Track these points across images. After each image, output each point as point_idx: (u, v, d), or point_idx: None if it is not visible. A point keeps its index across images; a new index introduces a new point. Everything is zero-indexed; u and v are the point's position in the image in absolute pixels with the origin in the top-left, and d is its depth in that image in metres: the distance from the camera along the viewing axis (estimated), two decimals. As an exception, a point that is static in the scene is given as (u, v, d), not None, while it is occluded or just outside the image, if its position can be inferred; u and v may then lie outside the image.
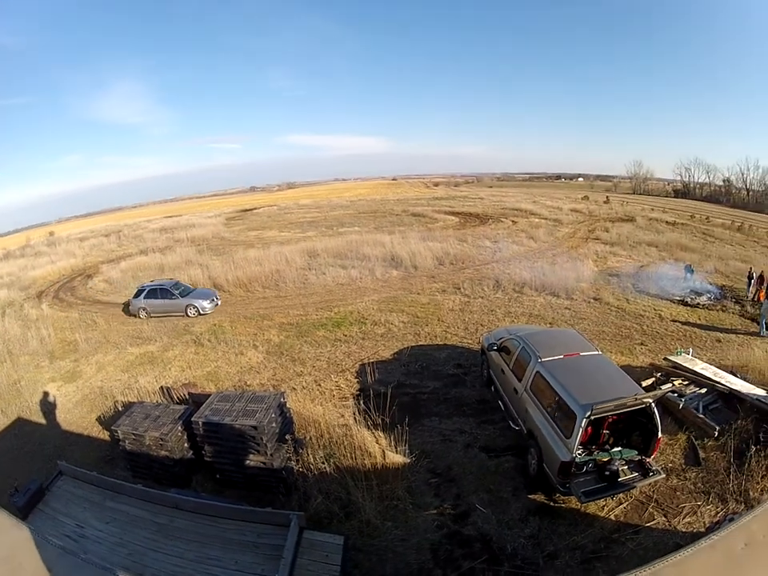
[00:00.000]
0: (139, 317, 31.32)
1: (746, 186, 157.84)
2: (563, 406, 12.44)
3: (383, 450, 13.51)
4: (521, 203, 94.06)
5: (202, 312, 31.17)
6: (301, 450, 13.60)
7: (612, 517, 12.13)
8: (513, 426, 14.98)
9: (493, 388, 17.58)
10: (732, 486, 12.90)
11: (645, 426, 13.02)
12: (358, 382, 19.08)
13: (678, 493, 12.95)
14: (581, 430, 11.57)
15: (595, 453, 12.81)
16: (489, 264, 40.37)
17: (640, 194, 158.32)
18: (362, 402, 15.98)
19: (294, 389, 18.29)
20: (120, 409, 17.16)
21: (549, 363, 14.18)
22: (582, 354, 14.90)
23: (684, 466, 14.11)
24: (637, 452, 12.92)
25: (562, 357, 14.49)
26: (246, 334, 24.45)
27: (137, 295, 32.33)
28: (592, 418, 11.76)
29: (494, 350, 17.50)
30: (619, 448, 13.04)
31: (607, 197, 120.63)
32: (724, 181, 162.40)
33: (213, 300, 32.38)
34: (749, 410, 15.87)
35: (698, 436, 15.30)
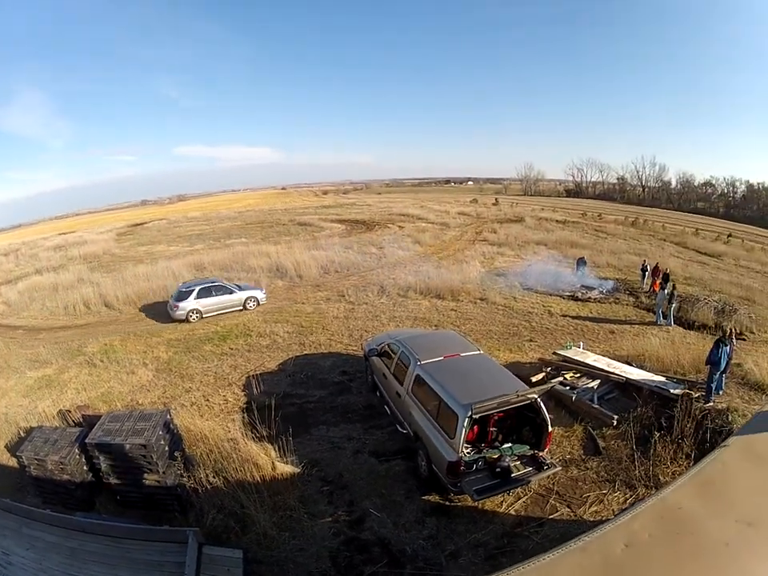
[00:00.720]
0: (189, 321, 28.83)
1: (641, 182, 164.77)
2: (445, 407, 12.55)
3: (273, 462, 13.44)
4: (408, 209, 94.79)
5: (260, 303, 31.24)
6: (191, 467, 13.35)
7: (512, 512, 12.31)
8: (400, 429, 15.01)
9: (378, 393, 17.66)
10: (638, 472, 13.20)
11: (534, 421, 13.31)
12: (245, 394, 18.78)
13: (580, 483, 13.24)
14: (464, 429, 11.70)
15: (485, 450, 12.98)
16: (374, 270, 40.84)
17: (531, 195, 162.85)
18: (249, 415, 16.01)
19: (184, 405, 17.90)
20: (22, 435, 16.45)
21: (428, 365, 14.34)
22: (462, 354, 15.18)
23: (584, 457, 14.44)
24: (529, 447, 13.20)
25: (441, 358, 14.70)
26: (136, 351, 23.73)
27: (183, 297, 29.44)
28: (474, 416, 11.91)
29: (376, 355, 17.66)
30: (510, 444, 13.28)
31: (496, 199, 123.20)
32: (618, 179, 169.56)
33: (264, 291, 32.44)
34: (648, 398, 16.29)
35: (595, 426, 15.65)
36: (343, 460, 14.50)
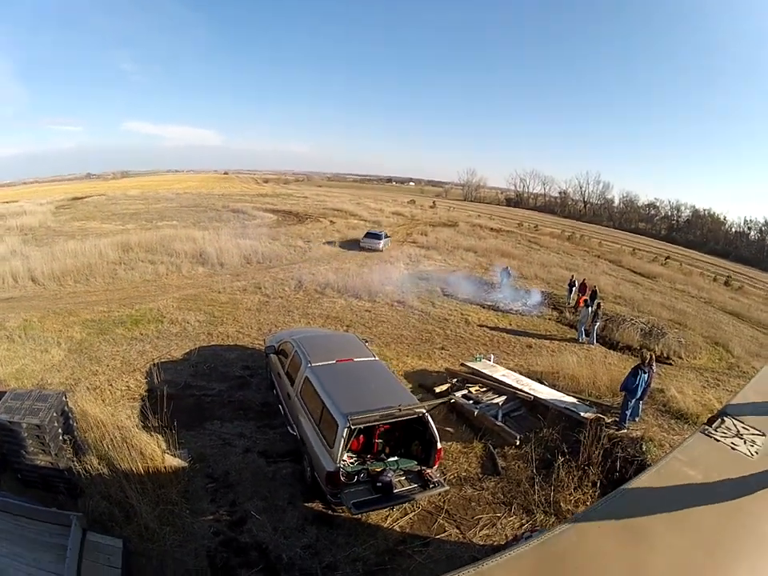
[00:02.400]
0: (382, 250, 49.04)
1: (584, 198, 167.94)
2: (327, 414, 12.18)
3: (161, 454, 12.85)
4: (344, 204, 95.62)
5: (383, 248, 49.83)
6: (82, 452, 12.78)
7: (397, 528, 11.94)
8: (290, 431, 14.37)
9: (275, 391, 17.00)
10: (538, 497, 12.84)
11: (423, 436, 12.95)
12: (146, 382, 18.12)
13: (473, 503, 12.84)
14: (342, 439, 11.36)
15: (369, 462, 12.65)
16: (296, 264, 40.24)
17: (471, 201, 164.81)
18: (146, 404, 15.26)
19: (88, 388, 17.09)
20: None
21: (318, 368, 13.94)
22: (356, 359, 14.86)
23: (481, 476, 14.03)
24: (416, 462, 12.83)
25: (333, 362, 14.37)
26: (52, 330, 22.85)
27: (368, 236, 51.01)
28: (353, 428, 11.59)
29: (273, 352, 17.23)
30: (396, 458, 12.90)
31: (434, 201, 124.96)
32: (560, 192, 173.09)
33: (388, 238, 53.58)
34: (556, 419, 15.96)
35: (497, 444, 15.26)
36: (232, 458, 14.12)
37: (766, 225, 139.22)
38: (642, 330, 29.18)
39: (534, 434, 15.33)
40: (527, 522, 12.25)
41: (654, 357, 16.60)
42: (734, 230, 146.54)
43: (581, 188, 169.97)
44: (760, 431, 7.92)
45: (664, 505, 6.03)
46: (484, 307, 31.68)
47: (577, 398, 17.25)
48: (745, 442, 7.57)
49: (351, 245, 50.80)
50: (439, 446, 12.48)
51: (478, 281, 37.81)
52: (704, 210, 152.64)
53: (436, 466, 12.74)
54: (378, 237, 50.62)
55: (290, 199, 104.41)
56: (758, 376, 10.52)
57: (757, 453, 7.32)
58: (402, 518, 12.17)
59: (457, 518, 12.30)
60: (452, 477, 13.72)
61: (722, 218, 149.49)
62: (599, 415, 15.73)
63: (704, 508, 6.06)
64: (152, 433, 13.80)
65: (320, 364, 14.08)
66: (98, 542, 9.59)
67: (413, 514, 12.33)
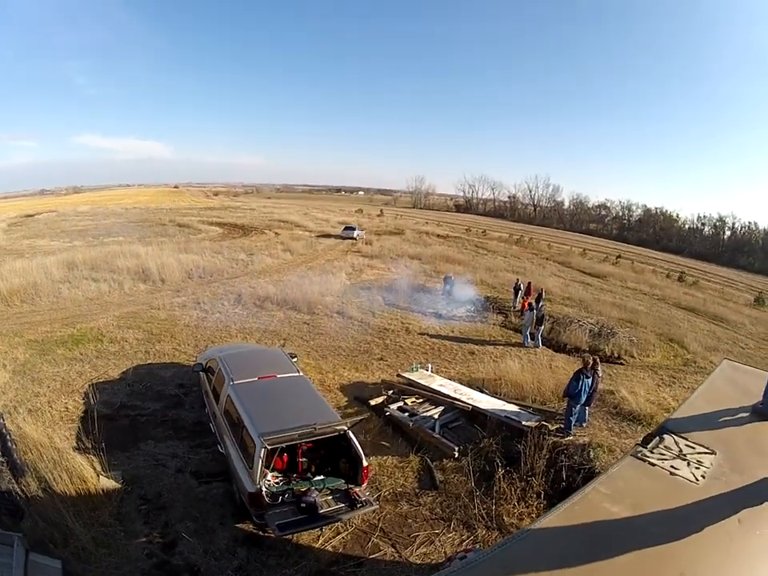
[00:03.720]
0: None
1: (533, 202, 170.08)
2: (246, 434, 12.13)
3: (97, 476, 12.81)
4: (291, 215, 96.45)
5: (359, 238, 67.27)
6: (21, 474, 12.72)
7: (329, 548, 11.65)
8: (220, 449, 14.07)
9: (206, 410, 16.83)
10: (478, 511, 12.47)
11: (349, 453, 12.76)
12: (84, 403, 17.73)
13: (409, 520, 12.52)
14: (260, 460, 11.19)
15: (294, 482, 12.43)
16: (238, 278, 39.84)
17: (420, 209, 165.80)
18: (83, 425, 15.55)
19: (30, 410, 16.97)
20: None
21: (240, 386, 13.84)
22: (279, 376, 14.75)
23: (418, 491, 13.70)
24: (344, 480, 12.57)
25: (256, 379, 14.28)
26: None
27: (346, 229, 69.24)
28: (269, 447, 11.42)
29: (201, 370, 17.15)
30: (322, 477, 12.67)
31: (381, 210, 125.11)
32: (510, 197, 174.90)
33: (361, 231, 71.14)
34: (496, 428, 15.58)
35: (435, 457, 14.89)
36: (164, 479, 13.82)
37: (720, 220, 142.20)
38: (590, 331, 28.93)
39: (474, 445, 15.03)
40: (468, 537, 11.92)
41: (597, 360, 16.38)
42: (687, 226, 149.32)
43: (530, 192, 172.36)
44: (709, 449, 7.09)
45: (574, 554, 5.08)
46: (426, 315, 31.39)
47: (519, 405, 16.93)
48: (689, 464, 6.70)
49: (294, 256, 50.69)
50: (365, 463, 12.25)
51: (422, 288, 37.94)
52: (656, 209, 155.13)
53: (364, 485, 12.44)
54: (353, 229, 69.20)
55: (237, 212, 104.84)
56: (708, 381, 9.82)
57: (704, 476, 6.44)
58: (334, 537, 11.89)
59: (392, 536, 12.01)
60: (387, 493, 13.43)
61: (674, 215, 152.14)
62: (543, 423, 15.39)
63: (627, 557, 5.02)
64: (87, 455, 13.61)
65: (242, 381, 13.88)
66: (40, 562, 9.61)
67: (346, 533, 12.05)
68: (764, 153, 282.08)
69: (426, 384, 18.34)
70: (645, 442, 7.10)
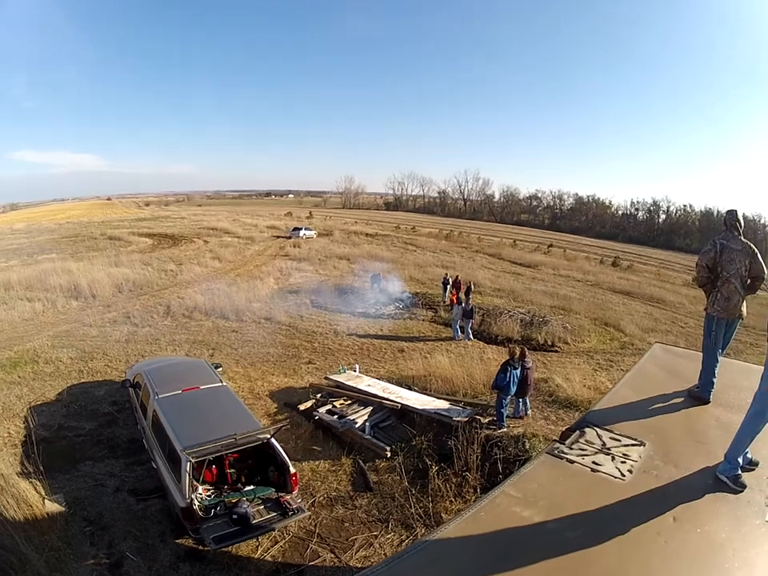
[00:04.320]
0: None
1: (463, 196, 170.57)
2: (172, 448, 11.90)
3: (42, 500, 12.62)
4: (220, 222, 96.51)
5: (308, 237, 73.53)
6: None
7: (268, 558, 11.52)
8: (154, 465, 13.75)
9: (138, 426, 16.30)
10: (415, 510, 12.31)
11: (276, 462, 12.66)
12: (24, 427, 17.56)
13: (346, 524, 12.46)
14: (187, 474, 11.00)
15: (226, 493, 12.15)
16: (167, 289, 39.45)
17: (350, 209, 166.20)
18: (24, 449, 15.39)
19: None
20: None
21: (165, 400, 13.73)
22: (202, 387, 14.68)
23: (352, 494, 13.59)
24: (274, 489, 12.38)
25: (179, 392, 14.16)
26: None
27: (294, 230, 74.94)
28: (194, 461, 11.23)
29: (130, 386, 16.77)
30: (253, 486, 12.48)
31: (310, 212, 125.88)
32: (440, 192, 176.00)
33: (312, 231, 77.33)
34: (427, 425, 15.52)
35: (367, 459, 14.78)
36: (105, 498, 13.60)
37: (654, 205, 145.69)
38: (522, 321, 29.07)
39: (406, 444, 15.03)
40: (407, 537, 11.82)
41: (525, 351, 16.24)
42: (620, 212, 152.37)
43: (460, 186, 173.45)
44: (637, 440, 6.54)
45: (478, 566, 4.58)
46: (355, 315, 31.43)
47: (450, 400, 16.85)
48: (613, 459, 6.12)
49: (223, 264, 50.48)
50: (293, 470, 12.13)
51: (350, 288, 37.89)
52: (588, 197, 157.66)
53: (295, 492, 12.28)
54: (299, 229, 75.53)
55: (168, 221, 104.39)
56: (636, 368, 9.49)
57: (630, 471, 5.88)
58: (272, 546, 11.74)
59: (330, 542, 11.91)
60: (322, 498, 13.33)
61: (607, 202, 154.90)
62: (475, 416, 15.29)
63: (540, 566, 4.46)
64: (30, 479, 13.36)
65: (166, 395, 13.78)
66: (0, 587, 9.45)
67: (283, 541, 11.90)
68: (694, 142, 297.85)
69: (354, 385, 18.26)
70: (563, 438, 6.58)
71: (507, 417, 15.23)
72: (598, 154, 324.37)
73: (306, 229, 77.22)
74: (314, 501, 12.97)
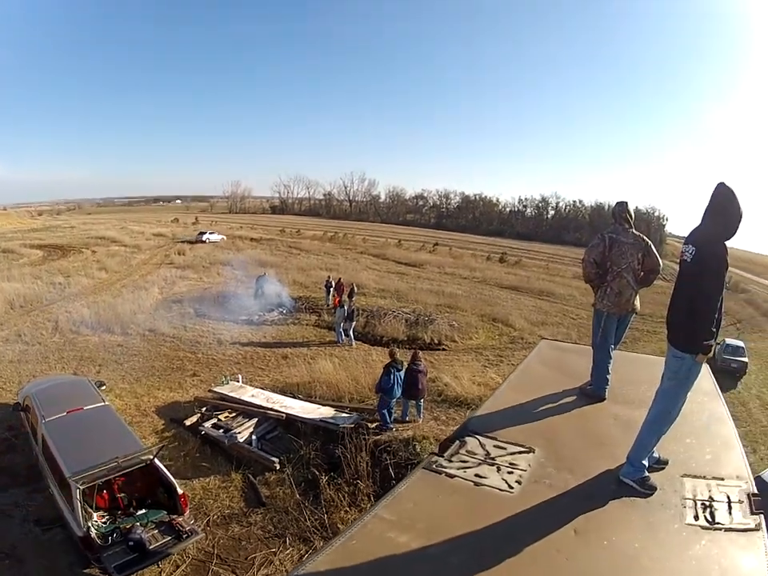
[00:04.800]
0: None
1: (349, 198, 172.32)
2: (62, 475, 11.29)
3: None
4: (108, 231, 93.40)
5: (212, 241, 74.76)
6: None
7: None
8: (51, 492, 13.02)
9: (33, 451, 15.73)
10: (311, 522, 12.15)
11: (163, 483, 12.30)
12: None
13: (244, 543, 12.18)
14: (78, 502, 10.57)
15: (120, 519, 11.72)
16: (56, 303, 37.52)
17: (236, 213, 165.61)
18: None
19: None
20: None
21: (51, 423, 13.19)
22: (86, 408, 14.16)
23: (246, 510, 13.30)
24: (166, 512, 11.94)
25: (65, 414, 13.57)
26: None
27: (199, 234, 75.96)
28: (82, 487, 10.76)
29: (20, 410, 16.24)
30: (145, 510, 11.99)
31: (196, 217, 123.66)
32: (325, 194, 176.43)
33: (219, 236, 78.85)
34: (314, 434, 15.43)
35: (257, 472, 14.49)
36: (14, 530, 13.00)
37: (543, 201, 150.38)
38: (407, 321, 29.21)
39: (294, 455, 14.78)
40: (306, 551, 11.53)
41: (417, 352, 16.33)
42: (508, 209, 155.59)
43: (346, 188, 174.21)
44: (525, 447, 5.81)
45: None
46: (238, 323, 30.84)
47: (336, 406, 16.95)
48: (499, 470, 5.37)
49: (110, 274, 49.28)
50: (180, 491, 11.84)
51: (233, 295, 36.57)
52: (475, 195, 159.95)
53: (186, 513, 11.96)
54: (204, 233, 77.11)
55: (58, 231, 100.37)
56: (521, 367, 8.65)
57: (519, 482, 5.14)
58: (174, 571, 11.39)
59: (230, 562, 11.61)
60: (216, 517, 12.92)
61: (494, 200, 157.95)
62: (361, 422, 15.39)
63: None
64: None
65: (53, 418, 13.31)
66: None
67: (184, 565, 11.53)
68: (579, 140, 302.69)
69: (238, 396, 18.09)
70: (442, 449, 5.78)
71: (396, 420, 15.19)
72: (483, 154, 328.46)
73: (210, 233, 78.43)
74: (209, 520, 12.65)
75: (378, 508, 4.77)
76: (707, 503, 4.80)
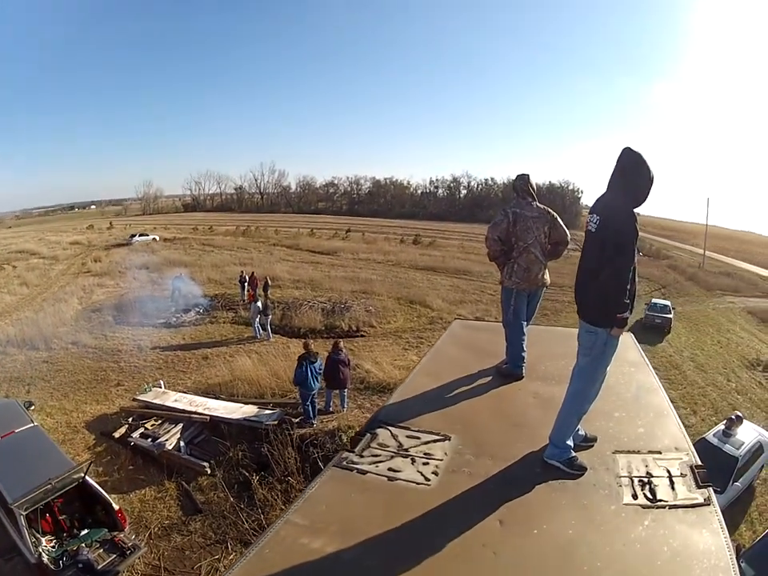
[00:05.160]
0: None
1: (260, 190, 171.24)
2: (5, 502, 11.19)
3: None
4: (27, 243, 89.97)
5: (137, 243, 73.59)
6: None
7: None
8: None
9: None
10: (249, 525, 12.03)
11: (99, 500, 12.25)
12: None
13: (187, 552, 12.17)
14: (24, 528, 10.65)
15: (66, 542, 11.58)
16: None
17: (150, 214, 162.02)
18: None
19: None
20: None
21: None
22: (17, 430, 13.83)
23: (184, 519, 13.22)
24: (107, 530, 11.86)
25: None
26: None
27: (130, 237, 77.78)
28: (24, 513, 10.83)
29: None
30: (87, 530, 11.89)
31: (110, 222, 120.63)
32: (236, 189, 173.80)
33: (152, 237, 78.87)
34: (239, 434, 15.43)
35: (190, 479, 14.43)
36: None
37: (454, 181, 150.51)
38: (323, 310, 29.42)
39: (223, 457, 14.82)
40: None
41: (340, 342, 16.44)
42: (420, 191, 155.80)
43: (256, 180, 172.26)
44: (440, 434, 5.39)
45: None
46: (157, 327, 30.56)
47: (258, 403, 16.95)
48: (413, 462, 4.96)
49: (31, 289, 47.88)
50: (116, 506, 11.88)
51: (149, 299, 36.26)
52: (385, 179, 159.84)
53: (126, 528, 11.89)
54: (133, 236, 78.35)
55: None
56: (432, 351, 8.18)
57: (436, 474, 4.76)
58: None
59: (177, 573, 11.64)
60: (156, 528, 12.79)
61: (405, 183, 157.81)
62: (284, 417, 15.42)
63: None
64: None
65: None
66: None
67: None
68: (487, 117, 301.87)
69: (162, 402, 18.00)
70: (353, 445, 5.35)
71: (320, 411, 15.38)
72: (394, 138, 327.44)
73: (140, 235, 79.74)
74: (150, 533, 12.61)
75: (289, 513, 4.44)
76: (645, 480, 4.58)
